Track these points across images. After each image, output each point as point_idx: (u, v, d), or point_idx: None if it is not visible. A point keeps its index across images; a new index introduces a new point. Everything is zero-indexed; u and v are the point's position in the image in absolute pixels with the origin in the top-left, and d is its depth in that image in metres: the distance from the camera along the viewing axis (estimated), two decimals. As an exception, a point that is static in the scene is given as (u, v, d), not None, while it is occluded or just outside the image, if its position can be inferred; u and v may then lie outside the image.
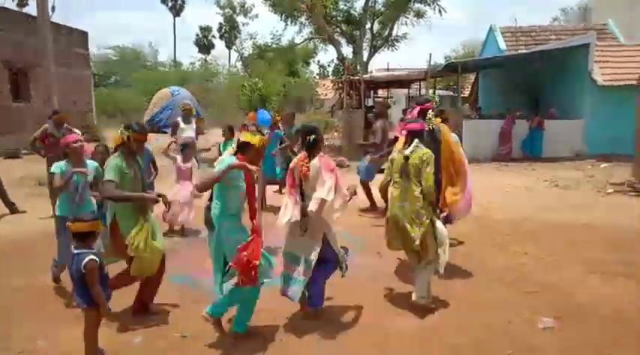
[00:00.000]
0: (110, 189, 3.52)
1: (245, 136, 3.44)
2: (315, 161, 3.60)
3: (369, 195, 7.29)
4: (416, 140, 3.89)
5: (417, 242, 3.78)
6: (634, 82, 8.84)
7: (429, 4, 18.47)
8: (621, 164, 10.76)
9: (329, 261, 3.72)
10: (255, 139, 3.40)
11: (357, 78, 15.59)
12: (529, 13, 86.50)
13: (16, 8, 17.66)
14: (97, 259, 3.05)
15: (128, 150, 3.70)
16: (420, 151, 3.85)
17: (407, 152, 3.85)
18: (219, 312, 3.45)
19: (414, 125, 3.99)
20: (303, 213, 3.57)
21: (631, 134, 8.67)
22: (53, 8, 10.74)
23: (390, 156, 4.13)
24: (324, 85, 32.52)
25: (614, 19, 17.45)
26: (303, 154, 3.71)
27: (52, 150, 7.13)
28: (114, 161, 3.64)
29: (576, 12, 33.05)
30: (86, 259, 2.99)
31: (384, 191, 4.26)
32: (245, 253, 3.16)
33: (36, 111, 16.22)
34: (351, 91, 15.90)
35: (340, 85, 18.75)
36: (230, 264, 3.28)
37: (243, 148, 3.40)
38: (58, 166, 4.32)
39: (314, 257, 3.58)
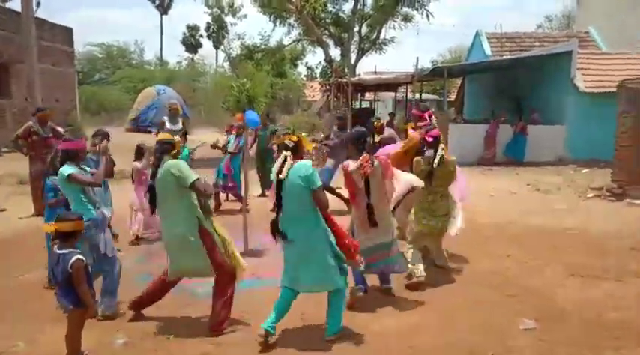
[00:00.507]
0: (205, 185, 3.55)
1: (301, 139, 3.53)
2: (376, 161, 4.02)
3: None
4: (441, 145, 4.54)
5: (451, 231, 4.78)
6: (615, 89, 9.05)
7: (417, 9, 18.65)
8: (602, 169, 10.98)
9: None
10: (307, 142, 3.60)
11: (344, 80, 15.65)
12: (515, 20, 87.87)
13: (-2, 3, 17.30)
14: (84, 259, 3.02)
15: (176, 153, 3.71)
16: (449, 160, 4.59)
17: (435, 161, 4.47)
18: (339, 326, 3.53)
19: (436, 132, 4.62)
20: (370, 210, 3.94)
21: (611, 140, 8.88)
22: (38, 4, 10.56)
23: (416, 160, 4.63)
24: (311, 86, 32.53)
25: (595, 27, 17.84)
26: (367, 156, 3.94)
27: (35, 148, 7.02)
28: (180, 162, 3.58)
29: (560, 19, 33.68)
30: (73, 259, 2.96)
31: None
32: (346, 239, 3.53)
33: (17, 108, 15.94)
34: (339, 94, 15.97)
35: (328, 87, 18.81)
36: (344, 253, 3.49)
37: (295, 150, 3.44)
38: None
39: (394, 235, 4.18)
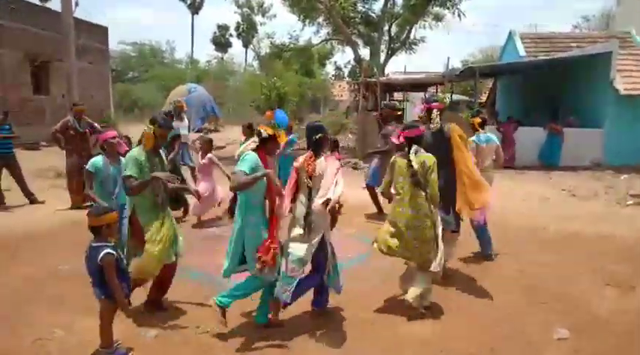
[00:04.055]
0: (130, 183, 3.54)
1: (267, 130, 3.50)
2: (322, 160, 3.55)
3: (376, 200, 7.26)
4: (415, 146, 3.85)
5: (417, 247, 3.81)
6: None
7: (448, 8, 18.28)
8: (641, 175, 10.57)
9: (318, 266, 3.68)
10: (273, 130, 3.50)
11: (373, 80, 15.55)
12: (548, 21, 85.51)
13: (38, 2, 17.96)
14: (114, 252, 3.07)
15: (152, 145, 3.68)
16: (422, 157, 3.81)
17: (411, 157, 3.81)
18: (227, 303, 3.45)
19: (411, 132, 3.90)
20: (307, 211, 3.48)
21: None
22: (77, 3, 10.90)
23: (391, 160, 4.06)
24: (340, 86, 32.55)
25: (636, 26, 17.13)
26: (309, 153, 3.61)
27: (71, 142, 7.24)
28: (133, 154, 3.62)
29: (598, 19, 32.55)
30: (102, 253, 3.01)
31: (386, 194, 4.20)
32: (269, 240, 3.37)
33: (55, 105, 16.50)
34: (367, 93, 15.87)
35: (356, 86, 18.73)
36: (255, 253, 3.36)
37: (264, 142, 3.51)
38: (92, 163, 4.63)
39: (308, 257, 3.51)
